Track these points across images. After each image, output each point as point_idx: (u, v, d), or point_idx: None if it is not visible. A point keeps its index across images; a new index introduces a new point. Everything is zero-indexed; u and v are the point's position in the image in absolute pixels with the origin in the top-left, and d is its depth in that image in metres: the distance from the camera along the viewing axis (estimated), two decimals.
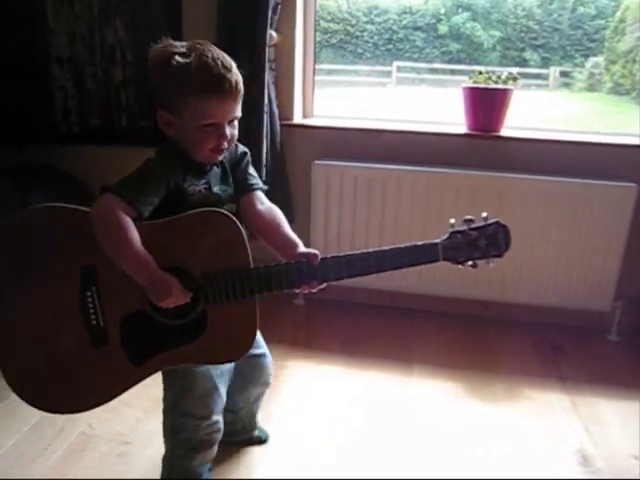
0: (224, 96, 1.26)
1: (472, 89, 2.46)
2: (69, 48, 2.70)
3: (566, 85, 3.52)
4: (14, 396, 2.11)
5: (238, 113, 1.32)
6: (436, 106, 4.22)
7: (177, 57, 1.25)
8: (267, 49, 2.37)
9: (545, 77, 3.54)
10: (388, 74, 4.70)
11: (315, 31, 2.70)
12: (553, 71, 3.51)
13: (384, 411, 2.00)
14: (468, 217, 1.34)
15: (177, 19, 2.56)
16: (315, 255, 1.32)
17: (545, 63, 3.39)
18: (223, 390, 1.50)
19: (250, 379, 1.64)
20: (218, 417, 1.50)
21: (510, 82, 2.48)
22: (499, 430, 1.91)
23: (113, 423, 1.89)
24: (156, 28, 2.57)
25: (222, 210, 1.29)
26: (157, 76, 1.29)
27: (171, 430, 1.51)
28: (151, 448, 1.76)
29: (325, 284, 1.35)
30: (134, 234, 1.22)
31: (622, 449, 1.83)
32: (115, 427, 1.88)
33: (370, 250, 1.33)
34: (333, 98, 3.65)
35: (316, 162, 2.57)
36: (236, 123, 1.33)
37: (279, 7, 2.42)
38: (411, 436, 1.87)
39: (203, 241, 1.28)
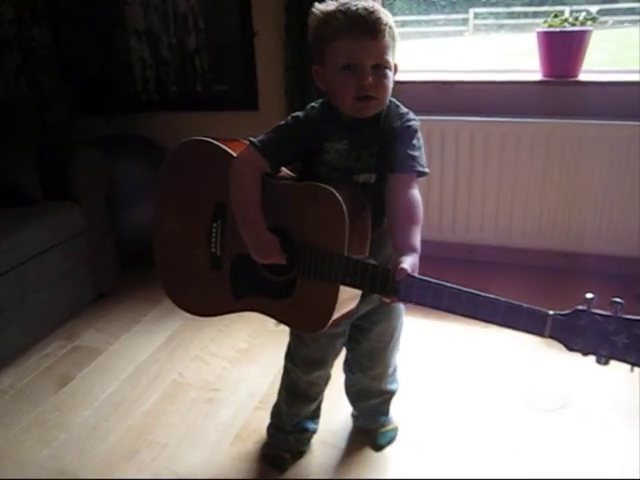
0: (358, 34, 1.20)
1: (546, 33, 2.35)
2: (144, 19, 2.81)
3: None
4: (110, 349, 2.30)
5: (385, 59, 1.23)
6: (515, 53, 4.04)
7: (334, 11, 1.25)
8: None
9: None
10: (465, 22, 4.52)
11: None
12: None
13: (461, 361, 2.04)
14: (617, 299, 1.00)
15: None
16: (401, 270, 1.15)
17: None
18: (330, 359, 1.56)
19: (357, 366, 1.65)
20: (317, 378, 1.58)
21: (589, 23, 2.35)
22: (577, 377, 1.91)
23: (202, 372, 2.04)
24: None
25: (332, 190, 1.23)
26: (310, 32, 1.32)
27: (284, 370, 1.63)
28: (237, 394, 1.89)
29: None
30: (255, 192, 1.32)
31: None
32: (204, 376, 2.03)
33: (465, 289, 1.13)
34: (408, 51, 3.56)
35: None
36: (387, 72, 1.24)
37: None
38: (487, 384, 1.91)
39: (310, 213, 1.29)
